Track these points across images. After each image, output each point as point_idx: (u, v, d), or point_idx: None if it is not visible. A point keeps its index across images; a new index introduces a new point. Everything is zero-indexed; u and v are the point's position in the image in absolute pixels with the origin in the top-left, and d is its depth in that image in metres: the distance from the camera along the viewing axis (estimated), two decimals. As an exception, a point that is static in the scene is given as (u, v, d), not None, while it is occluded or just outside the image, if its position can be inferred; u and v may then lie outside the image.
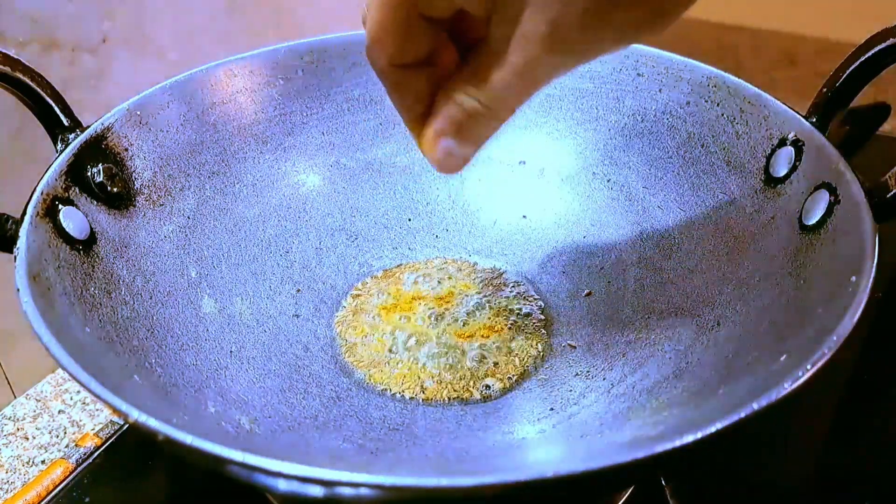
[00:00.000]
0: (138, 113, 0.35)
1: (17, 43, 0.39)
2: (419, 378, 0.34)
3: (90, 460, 0.36)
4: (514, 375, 0.34)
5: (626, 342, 0.34)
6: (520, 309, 0.37)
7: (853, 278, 0.25)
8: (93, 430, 0.37)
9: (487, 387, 0.34)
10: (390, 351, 0.35)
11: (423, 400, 0.33)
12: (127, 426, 0.37)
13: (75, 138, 0.32)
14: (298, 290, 0.38)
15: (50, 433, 0.38)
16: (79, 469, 0.35)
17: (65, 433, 0.38)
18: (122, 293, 0.31)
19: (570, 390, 0.33)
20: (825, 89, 0.32)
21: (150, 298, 0.32)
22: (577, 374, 0.34)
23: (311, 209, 0.41)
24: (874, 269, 0.25)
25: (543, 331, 0.36)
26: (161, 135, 0.36)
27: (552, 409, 0.32)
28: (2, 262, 0.27)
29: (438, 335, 0.36)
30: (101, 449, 0.36)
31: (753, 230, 0.33)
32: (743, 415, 0.20)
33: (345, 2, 0.66)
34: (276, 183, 0.40)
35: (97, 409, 0.39)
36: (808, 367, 0.22)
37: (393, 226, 0.42)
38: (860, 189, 0.28)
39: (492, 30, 0.23)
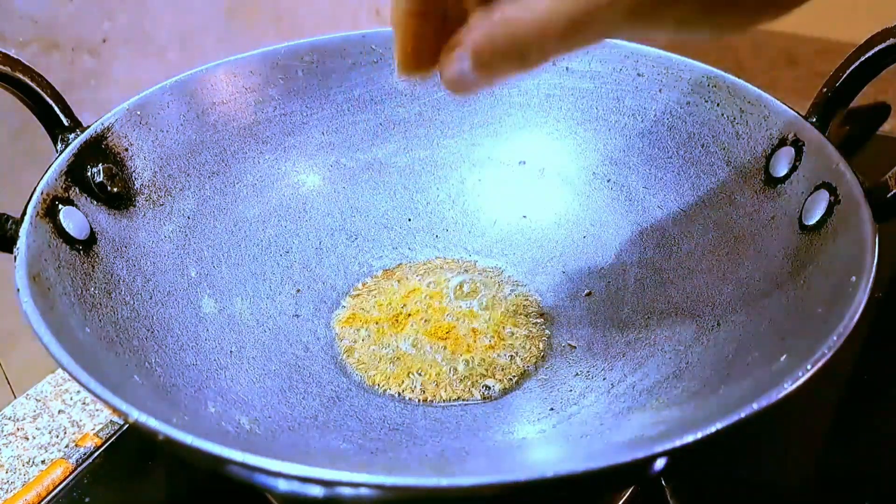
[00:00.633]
0: (138, 113, 0.35)
1: (17, 43, 0.39)
2: (419, 378, 0.34)
3: (90, 460, 0.36)
4: (514, 375, 0.34)
5: (626, 342, 0.34)
6: (519, 309, 0.37)
7: (853, 278, 0.25)
8: (93, 430, 0.37)
9: (487, 387, 0.34)
10: (390, 351, 0.35)
11: (422, 400, 0.33)
12: (127, 426, 0.37)
13: (75, 138, 0.32)
14: (298, 290, 0.38)
15: (50, 433, 0.38)
16: (79, 469, 0.35)
17: (65, 433, 0.38)
18: (122, 293, 0.31)
19: (571, 390, 0.33)
20: (825, 89, 0.32)
21: (150, 298, 0.32)
22: (577, 374, 0.34)
23: (311, 209, 0.41)
24: (874, 269, 0.25)
25: (543, 331, 0.36)
26: (161, 135, 0.36)
27: (552, 409, 0.32)
28: (2, 262, 0.27)
29: (438, 335, 0.36)
30: (101, 449, 0.36)
31: (753, 230, 0.33)
32: (743, 415, 0.20)
33: (345, 2, 0.66)
34: (276, 183, 0.40)
35: (97, 409, 0.39)
36: (808, 367, 0.22)
37: (393, 226, 0.42)
38: (860, 189, 0.28)
39: None
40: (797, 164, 0.32)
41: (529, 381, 0.34)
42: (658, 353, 0.33)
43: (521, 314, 0.37)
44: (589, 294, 0.38)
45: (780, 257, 0.31)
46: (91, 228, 0.31)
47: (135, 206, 0.34)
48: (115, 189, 0.33)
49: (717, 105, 0.36)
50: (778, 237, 0.32)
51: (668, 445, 0.20)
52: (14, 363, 0.42)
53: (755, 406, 0.21)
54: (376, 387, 0.34)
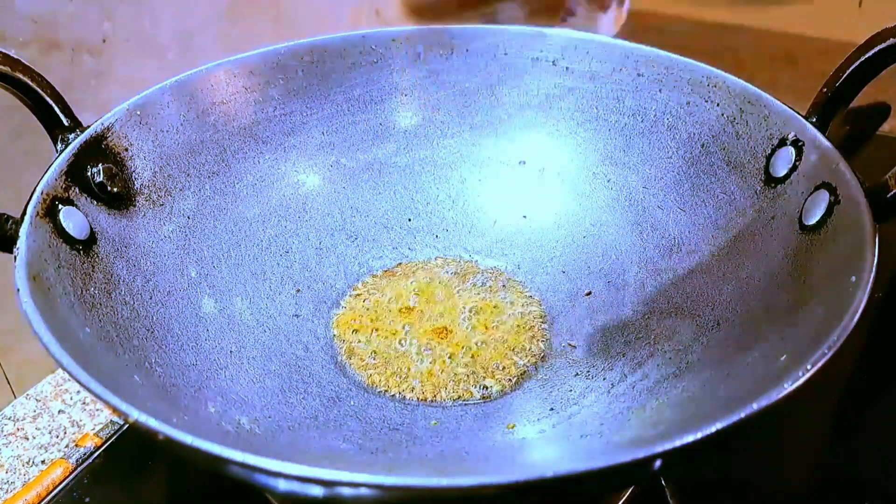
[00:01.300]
0: (138, 113, 0.35)
1: (17, 43, 0.39)
2: (419, 378, 0.34)
3: (90, 460, 0.36)
4: (514, 375, 0.34)
5: (626, 342, 0.34)
6: (520, 309, 0.37)
7: (853, 278, 0.25)
8: (93, 430, 0.37)
9: (487, 387, 0.34)
10: (390, 351, 0.35)
11: (422, 400, 0.33)
12: (127, 426, 0.37)
13: (75, 138, 0.32)
14: (298, 290, 0.38)
15: (50, 433, 0.38)
16: (79, 469, 0.35)
17: (65, 433, 0.38)
18: (122, 293, 0.31)
19: (571, 390, 0.33)
20: (825, 89, 0.32)
21: (150, 298, 0.32)
22: (577, 374, 0.34)
23: (311, 209, 0.41)
24: (874, 269, 0.25)
25: (544, 331, 0.36)
26: (161, 135, 0.36)
27: (552, 409, 0.32)
28: (2, 262, 0.27)
29: (438, 335, 0.36)
30: (102, 449, 0.36)
31: (753, 230, 0.33)
32: (743, 415, 0.20)
33: (345, 2, 0.66)
34: (276, 183, 0.40)
35: (97, 409, 0.39)
36: (808, 367, 0.22)
37: (393, 226, 0.42)
38: (860, 189, 0.28)
39: None
40: (797, 164, 0.32)
41: (529, 381, 0.34)
42: (658, 352, 0.33)
43: (521, 314, 0.37)
44: (589, 294, 0.38)
45: (780, 257, 0.31)
46: (91, 228, 0.31)
47: (135, 206, 0.34)
48: (115, 189, 0.33)
49: (717, 105, 0.36)
50: (778, 237, 0.32)
51: (668, 445, 0.20)
52: (14, 363, 0.42)
53: (755, 406, 0.21)
54: (376, 387, 0.34)
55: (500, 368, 0.34)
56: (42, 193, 0.29)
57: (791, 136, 0.33)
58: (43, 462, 0.36)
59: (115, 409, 0.21)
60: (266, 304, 0.36)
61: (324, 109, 0.41)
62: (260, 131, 0.40)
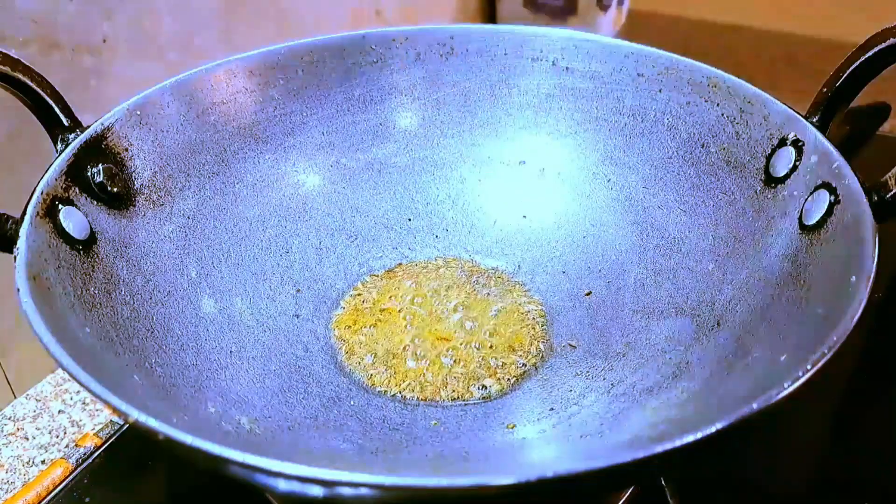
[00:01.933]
0: (138, 113, 0.35)
1: (17, 43, 0.39)
2: (419, 378, 0.34)
3: (90, 460, 0.36)
4: (514, 375, 0.34)
5: (626, 342, 0.34)
6: (520, 309, 0.37)
7: (853, 278, 0.25)
8: (93, 430, 0.37)
9: (487, 387, 0.34)
10: (390, 351, 0.35)
11: (422, 400, 0.33)
12: (127, 426, 0.37)
13: (75, 138, 0.32)
14: (298, 290, 0.38)
15: (50, 433, 0.38)
16: (79, 469, 0.35)
17: (65, 433, 0.38)
18: (122, 293, 0.31)
19: (571, 390, 0.33)
20: (825, 89, 0.32)
21: (150, 298, 0.32)
22: (577, 374, 0.34)
23: (311, 209, 0.41)
24: (874, 270, 0.25)
25: (543, 331, 0.36)
26: (161, 135, 0.36)
27: (552, 409, 0.32)
28: (2, 262, 0.27)
29: (438, 335, 0.36)
30: (101, 449, 0.36)
31: (753, 230, 0.33)
32: (743, 415, 0.20)
33: (345, 2, 0.66)
34: (276, 183, 0.40)
35: (97, 409, 0.39)
36: (808, 367, 0.22)
37: (393, 226, 0.42)
38: (860, 189, 0.28)
39: None
40: (797, 164, 0.32)
41: (529, 381, 0.34)
42: (658, 353, 0.33)
43: (521, 314, 0.37)
44: (589, 294, 0.38)
45: (780, 257, 0.31)
46: (91, 228, 0.31)
47: (135, 206, 0.34)
48: (115, 189, 0.33)
49: (717, 105, 0.36)
50: (778, 237, 0.32)
51: (668, 446, 0.20)
52: (14, 363, 0.42)
53: (755, 406, 0.21)
54: (376, 387, 0.34)
55: (500, 368, 0.34)
56: (42, 193, 0.29)
57: (791, 136, 0.33)
58: (43, 462, 0.36)
59: (115, 409, 0.21)
60: (266, 304, 0.36)
61: (324, 109, 0.41)
62: (260, 131, 0.40)
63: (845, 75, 0.31)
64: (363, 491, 0.19)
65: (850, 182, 0.28)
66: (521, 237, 0.41)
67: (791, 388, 0.21)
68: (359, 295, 0.39)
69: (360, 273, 0.40)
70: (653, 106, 0.39)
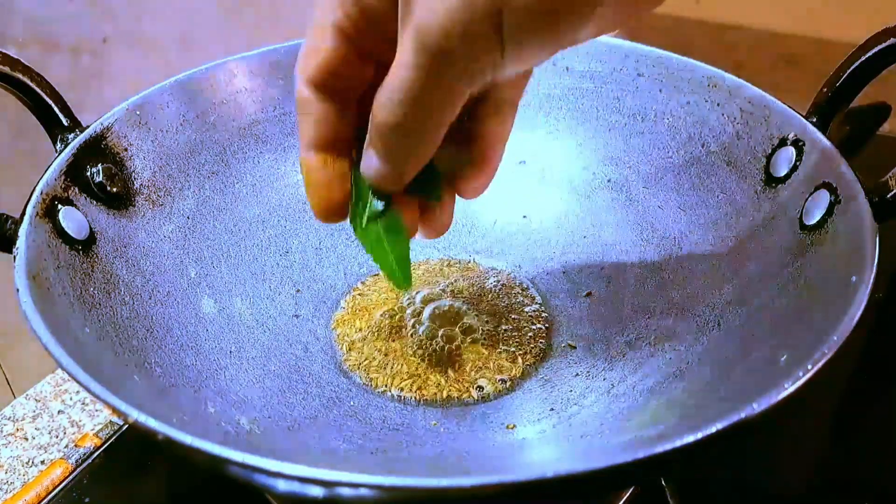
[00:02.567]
0: (138, 113, 0.35)
1: (17, 43, 0.39)
2: (419, 378, 0.34)
3: (90, 461, 0.36)
4: (513, 375, 0.34)
5: (626, 342, 0.34)
6: (520, 309, 0.37)
7: (853, 278, 0.25)
8: (92, 430, 0.37)
9: (486, 387, 0.34)
10: (390, 351, 0.35)
11: (422, 400, 0.33)
12: (126, 426, 0.37)
13: (75, 138, 0.32)
14: (298, 290, 0.38)
15: (49, 433, 0.38)
16: (78, 469, 0.35)
17: (64, 433, 0.38)
18: (122, 293, 0.31)
19: (571, 390, 0.33)
20: (825, 89, 0.32)
21: (150, 298, 0.32)
22: (577, 374, 0.33)
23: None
24: (874, 270, 0.25)
25: (543, 330, 0.36)
26: (161, 135, 0.36)
27: (552, 409, 0.32)
28: (1, 263, 0.27)
29: (438, 335, 0.36)
30: (101, 449, 0.36)
31: (754, 230, 0.33)
32: (743, 415, 0.20)
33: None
34: (276, 183, 0.40)
35: (97, 410, 0.39)
36: (809, 367, 0.22)
37: (393, 226, 0.42)
38: (860, 189, 0.28)
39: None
40: (797, 164, 0.32)
41: (529, 381, 0.34)
42: (658, 353, 0.33)
43: (521, 314, 0.37)
44: (589, 294, 0.38)
45: (780, 257, 0.31)
46: (90, 228, 0.31)
47: (134, 206, 0.34)
48: (115, 189, 0.33)
49: (718, 105, 0.36)
50: (778, 237, 0.32)
51: (669, 446, 0.20)
52: (13, 363, 0.42)
53: (755, 406, 0.21)
54: (376, 387, 0.34)
55: (500, 369, 0.34)
56: (41, 193, 0.29)
57: (791, 136, 0.33)
58: (42, 462, 0.36)
59: (114, 410, 0.21)
60: (266, 305, 0.36)
61: (324, 109, 0.41)
62: (260, 131, 0.40)
63: (845, 75, 0.31)
64: (363, 491, 0.19)
65: (851, 182, 0.28)
66: (521, 237, 0.41)
67: (791, 389, 0.21)
68: (359, 295, 0.39)
69: (360, 273, 0.40)
70: (653, 106, 0.39)
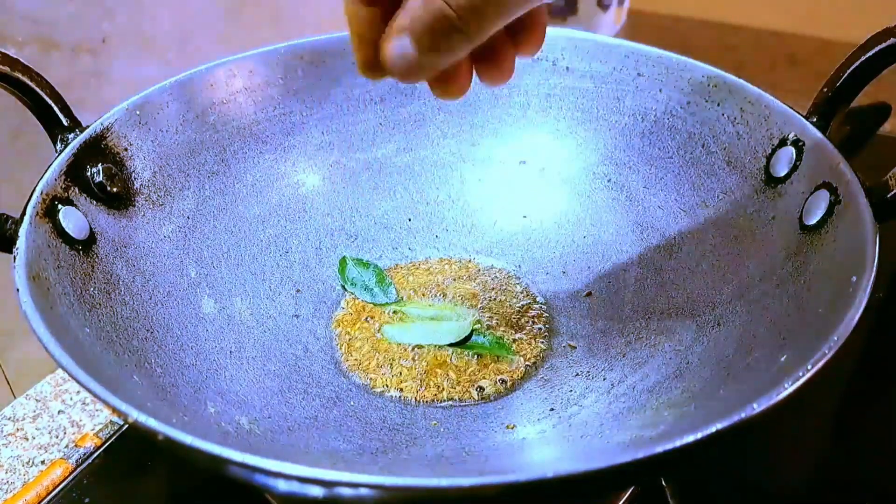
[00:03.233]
0: (138, 113, 0.35)
1: (16, 43, 0.39)
2: (419, 378, 0.34)
3: (90, 461, 0.36)
4: (513, 376, 0.34)
5: (626, 342, 0.34)
6: (520, 309, 0.37)
7: (853, 278, 0.25)
8: (92, 430, 0.37)
9: (486, 387, 0.34)
10: (390, 351, 0.35)
11: (422, 400, 0.33)
12: (126, 426, 0.37)
13: (75, 138, 0.32)
14: (298, 291, 0.38)
15: (50, 433, 0.38)
16: (78, 469, 0.35)
17: (64, 433, 0.38)
18: (122, 293, 0.31)
19: (571, 390, 0.33)
20: (826, 89, 0.32)
21: (150, 299, 0.32)
22: (577, 375, 0.33)
23: (310, 209, 0.41)
24: (874, 269, 0.25)
25: (544, 331, 0.36)
26: (161, 135, 0.36)
27: (552, 409, 0.32)
28: (1, 263, 0.27)
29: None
30: (101, 449, 0.36)
31: (754, 230, 0.33)
32: (743, 415, 0.20)
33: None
34: (276, 183, 0.40)
35: (97, 410, 0.39)
36: (809, 367, 0.22)
37: (393, 226, 0.42)
38: (861, 189, 0.28)
39: None
40: (798, 163, 0.32)
41: (529, 381, 0.34)
42: (658, 353, 0.33)
43: (521, 314, 0.37)
44: (589, 294, 0.38)
45: (780, 257, 0.31)
46: (90, 228, 0.31)
47: (134, 206, 0.34)
48: (115, 189, 0.33)
49: (718, 105, 0.36)
50: (778, 237, 0.32)
51: (669, 446, 0.20)
52: (13, 363, 0.42)
53: (755, 406, 0.21)
54: (376, 387, 0.34)
55: (500, 369, 0.34)
56: (41, 193, 0.29)
57: (791, 136, 0.33)
58: (43, 462, 0.36)
59: (114, 410, 0.21)
60: (266, 305, 0.36)
61: (323, 109, 0.41)
62: (260, 131, 0.40)
63: (846, 75, 0.31)
64: (363, 491, 0.19)
65: (851, 182, 0.28)
66: (521, 237, 0.41)
67: (792, 389, 0.21)
68: (359, 295, 0.39)
69: (359, 273, 0.40)
70: (653, 106, 0.39)
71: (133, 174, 0.34)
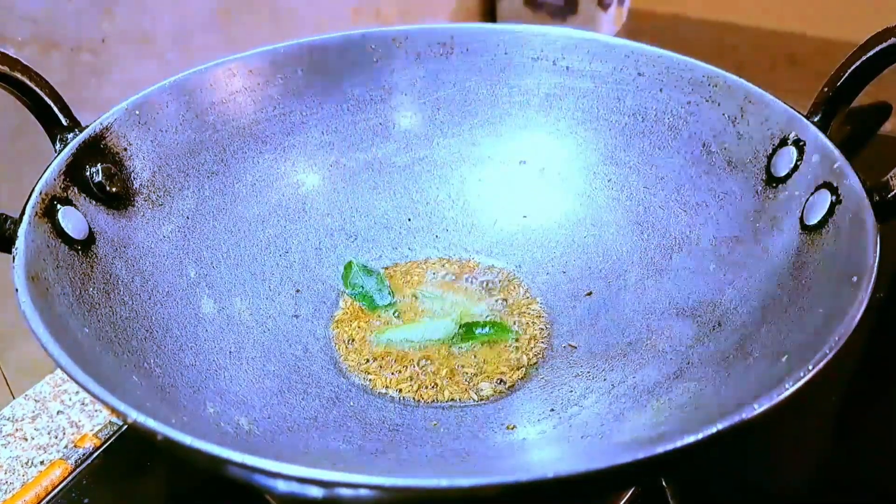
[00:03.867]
0: (137, 113, 0.35)
1: (16, 43, 0.39)
2: (419, 379, 0.34)
3: (89, 461, 0.36)
4: (513, 376, 0.34)
5: (626, 342, 0.34)
6: (520, 309, 0.37)
7: (854, 278, 0.25)
8: (92, 430, 0.37)
9: (486, 388, 0.34)
10: (390, 352, 0.35)
11: (422, 401, 0.33)
12: (126, 427, 0.37)
13: (74, 138, 0.32)
14: (298, 291, 0.38)
15: (49, 434, 0.38)
16: (78, 470, 0.35)
17: (63, 434, 0.38)
18: (121, 293, 0.31)
19: (571, 391, 0.33)
20: (826, 89, 0.32)
21: (149, 299, 0.32)
22: (577, 375, 0.33)
23: (310, 209, 0.41)
24: (876, 269, 0.25)
25: (544, 331, 0.36)
26: (160, 135, 0.36)
27: (553, 409, 0.32)
28: (1, 263, 0.27)
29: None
30: (100, 450, 0.36)
31: (755, 230, 0.33)
32: (744, 415, 0.20)
33: (345, 2, 0.66)
34: (276, 183, 0.40)
35: (96, 410, 0.39)
36: (810, 367, 0.22)
37: (393, 226, 0.42)
38: (861, 189, 0.28)
39: None
40: (798, 163, 0.32)
41: (529, 381, 0.34)
42: (659, 353, 0.32)
43: (521, 314, 0.37)
44: (589, 294, 0.37)
45: (781, 257, 0.31)
46: (90, 228, 0.31)
47: (133, 206, 0.34)
48: (114, 189, 0.32)
49: (718, 105, 0.36)
50: (779, 237, 0.32)
51: (669, 446, 0.20)
52: (12, 363, 0.42)
53: (756, 407, 0.21)
54: (376, 388, 0.34)
55: (500, 369, 0.34)
56: (41, 193, 0.29)
57: (792, 136, 0.33)
58: (42, 463, 0.36)
59: (113, 410, 0.21)
60: (265, 305, 0.36)
61: (323, 109, 0.41)
62: (259, 131, 0.40)
63: (846, 75, 0.31)
64: (362, 492, 0.19)
65: (852, 182, 0.28)
66: (521, 237, 0.41)
67: (792, 389, 0.21)
68: (358, 295, 0.39)
69: (359, 273, 0.40)
70: (653, 105, 0.39)
71: (132, 174, 0.34)
